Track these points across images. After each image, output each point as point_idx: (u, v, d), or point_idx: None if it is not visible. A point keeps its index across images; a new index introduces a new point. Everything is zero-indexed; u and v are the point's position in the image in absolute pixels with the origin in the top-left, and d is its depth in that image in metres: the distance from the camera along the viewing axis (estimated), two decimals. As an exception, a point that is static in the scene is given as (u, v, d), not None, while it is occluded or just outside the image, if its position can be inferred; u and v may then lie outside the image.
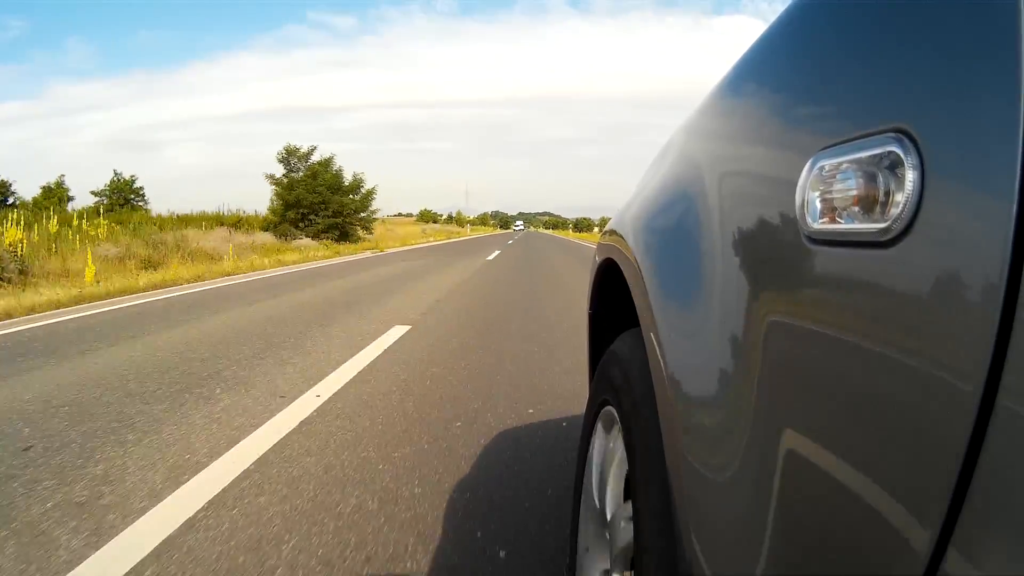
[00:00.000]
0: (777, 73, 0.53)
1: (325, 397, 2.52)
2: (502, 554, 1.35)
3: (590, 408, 1.00)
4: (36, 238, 8.70)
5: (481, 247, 19.28)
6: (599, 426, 0.93)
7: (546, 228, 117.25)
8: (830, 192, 0.36)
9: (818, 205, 0.37)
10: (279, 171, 20.81)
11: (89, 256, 7.66)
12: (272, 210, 20.04)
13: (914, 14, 0.33)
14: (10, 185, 22.82)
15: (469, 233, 52.19)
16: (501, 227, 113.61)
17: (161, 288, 6.88)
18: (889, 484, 0.30)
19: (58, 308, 5.25)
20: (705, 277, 0.55)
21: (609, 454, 0.89)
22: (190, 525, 1.45)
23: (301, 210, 19.74)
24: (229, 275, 8.58)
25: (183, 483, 1.69)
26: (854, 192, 0.34)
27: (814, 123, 0.43)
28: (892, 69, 0.34)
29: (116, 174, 25.42)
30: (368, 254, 14.67)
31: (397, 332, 3.97)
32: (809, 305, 0.38)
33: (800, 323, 0.39)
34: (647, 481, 0.59)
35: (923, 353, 0.29)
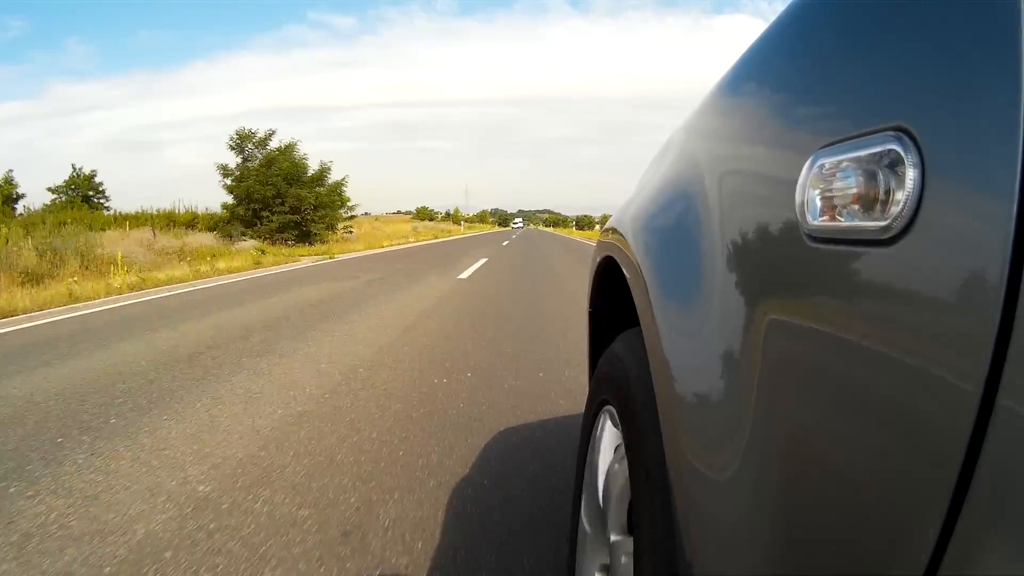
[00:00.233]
0: (777, 72, 0.53)
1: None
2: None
3: (589, 408, 1.00)
4: None
5: (465, 251, 14.87)
6: (598, 425, 0.93)
7: (546, 226, 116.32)
8: (830, 190, 0.36)
9: (818, 203, 0.37)
10: (235, 161, 17.51)
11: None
12: (224, 206, 17.26)
13: (914, 13, 0.33)
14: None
15: (462, 231, 47.36)
16: (500, 225, 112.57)
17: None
18: (889, 483, 0.29)
19: None
20: (705, 276, 0.55)
21: (608, 454, 0.88)
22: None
23: (252, 206, 16.51)
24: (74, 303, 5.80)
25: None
26: (854, 190, 0.34)
27: (814, 122, 0.42)
28: (892, 68, 0.34)
29: (75, 169, 22.89)
30: (305, 263, 10.72)
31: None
32: (809, 304, 0.38)
33: (800, 322, 0.39)
34: (647, 481, 0.59)
35: (923, 352, 0.28)
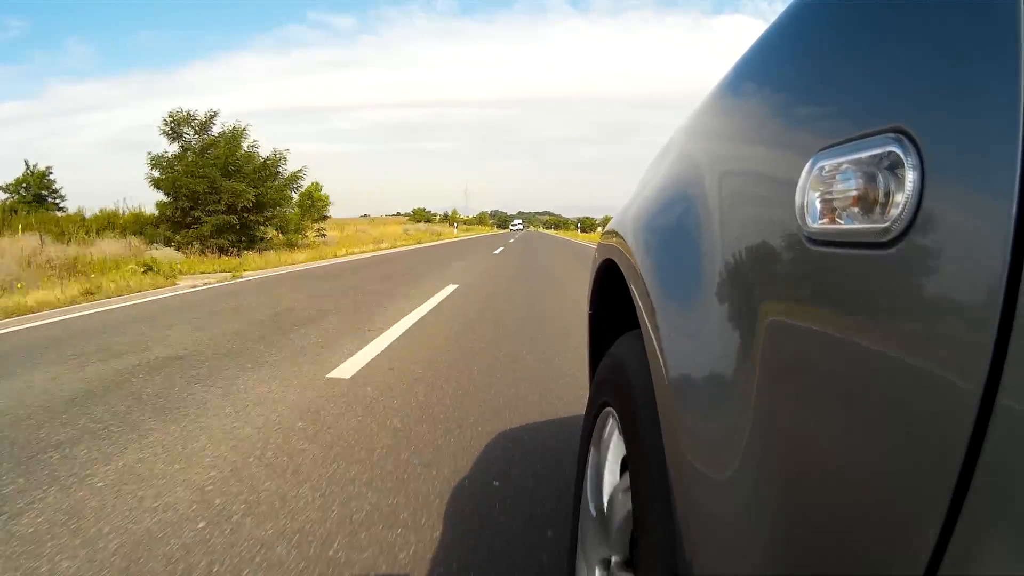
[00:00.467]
0: (777, 73, 0.53)
1: None
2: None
3: (590, 409, 1.00)
4: None
5: (445, 262, 11.22)
6: (599, 427, 0.93)
7: (547, 228, 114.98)
8: (830, 192, 0.36)
9: (818, 205, 0.37)
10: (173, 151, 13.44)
11: None
12: (157, 205, 13.62)
13: (914, 14, 0.33)
14: None
15: (455, 235, 41.84)
16: (499, 227, 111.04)
17: None
18: (889, 484, 0.29)
19: None
20: (705, 277, 0.55)
21: (609, 455, 0.88)
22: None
23: (181, 203, 12.78)
24: None
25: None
26: (854, 192, 0.34)
27: (814, 123, 0.42)
28: (892, 69, 0.34)
29: (28, 166, 20.23)
30: (166, 293, 6.35)
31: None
32: (809, 305, 0.38)
33: (800, 323, 0.39)
34: (647, 482, 0.59)
35: (923, 353, 0.28)
